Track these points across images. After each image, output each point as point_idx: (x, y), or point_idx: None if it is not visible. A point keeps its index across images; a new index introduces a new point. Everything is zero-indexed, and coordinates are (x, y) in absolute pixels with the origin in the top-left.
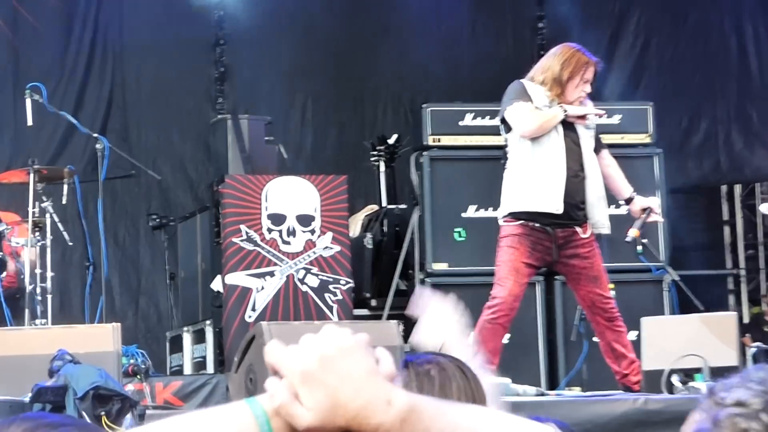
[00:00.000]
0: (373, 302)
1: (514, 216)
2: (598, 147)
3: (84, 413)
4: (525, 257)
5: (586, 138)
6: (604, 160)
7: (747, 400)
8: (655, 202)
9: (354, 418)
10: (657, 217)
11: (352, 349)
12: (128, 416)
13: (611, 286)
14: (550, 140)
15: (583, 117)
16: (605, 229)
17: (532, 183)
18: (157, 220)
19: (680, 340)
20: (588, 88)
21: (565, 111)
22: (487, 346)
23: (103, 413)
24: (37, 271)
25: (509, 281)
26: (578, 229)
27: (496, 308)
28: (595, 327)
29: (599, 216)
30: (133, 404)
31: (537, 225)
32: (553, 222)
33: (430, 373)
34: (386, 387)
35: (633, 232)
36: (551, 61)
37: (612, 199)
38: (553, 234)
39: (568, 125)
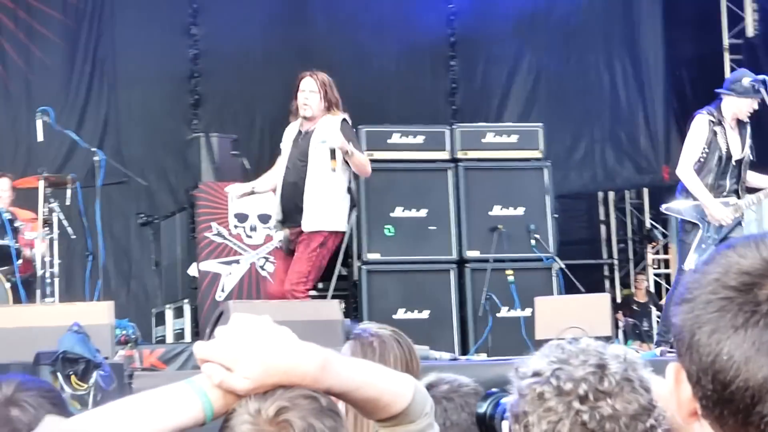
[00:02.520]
0: (320, 285)
1: None
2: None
3: (58, 373)
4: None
5: (316, 153)
6: None
7: (540, 369)
8: None
9: (285, 374)
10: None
11: (265, 326)
12: (95, 374)
13: (510, 272)
14: (280, 162)
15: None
16: (310, 227)
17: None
18: (145, 218)
19: (565, 315)
20: (304, 97)
21: None
22: None
23: (71, 373)
24: (47, 259)
25: (280, 272)
26: (301, 228)
27: (272, 295)
28: None
29: (310, 220)
30: (96, 366)
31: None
32: (287, 224)
33: (372, 344)
34: (304, 345)
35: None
36: None
37: (504, 200)
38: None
39: (297, 146)
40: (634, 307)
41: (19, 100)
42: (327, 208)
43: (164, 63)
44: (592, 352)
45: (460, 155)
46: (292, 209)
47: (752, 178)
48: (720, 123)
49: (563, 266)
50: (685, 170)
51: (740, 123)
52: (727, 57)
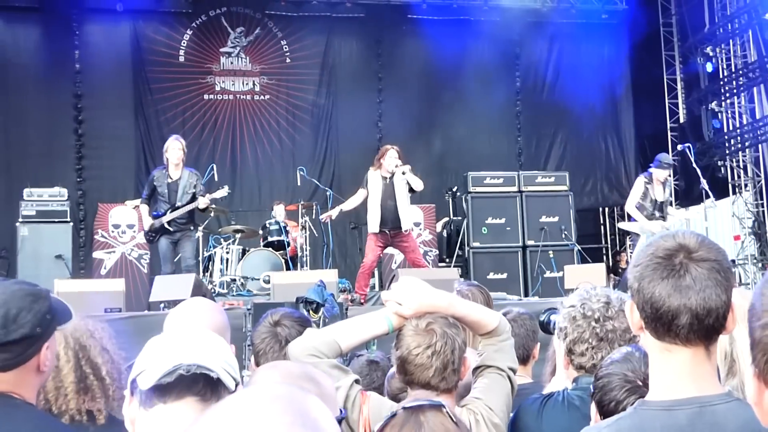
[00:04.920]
0: (447, 260)
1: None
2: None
3: (305, 310)
4: (377, 243)
5: (400, 183)
6: None
7: (574, 303)
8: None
9: (430, 306)
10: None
11: (418, 282)
12: (323, 309)
13: (551, 252)
14: (375, 190)
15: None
16: (406, 226)
17: (369, 215)
18: (353, 225)
19: (581, 275)
20: (395, 160)
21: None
22: (361, 283)
23: (310, 308)
24: (303, 246)
25: (369, 255)
26: (402, 230)
27: (364, 266)
28: None
29: (406, 224)
30: (321, 304)
31: (378, 231)
32: (386, 228)
33: (466, 293)
34: (440, 291)
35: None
36: None
37: (548, 213)
38: (388, 232)
39: (388, 180)
40: (619, 271)
41: (289, 162)
42: (411, 216)
43: (361, 141)
44: (603, 294)
45: (524, 189)
46: (389, 219)
47: (672, 211)
48: (651, 181)
49: (580, 249)
50: (630, 207)
51: (664, 181)
52: (668, 134)
